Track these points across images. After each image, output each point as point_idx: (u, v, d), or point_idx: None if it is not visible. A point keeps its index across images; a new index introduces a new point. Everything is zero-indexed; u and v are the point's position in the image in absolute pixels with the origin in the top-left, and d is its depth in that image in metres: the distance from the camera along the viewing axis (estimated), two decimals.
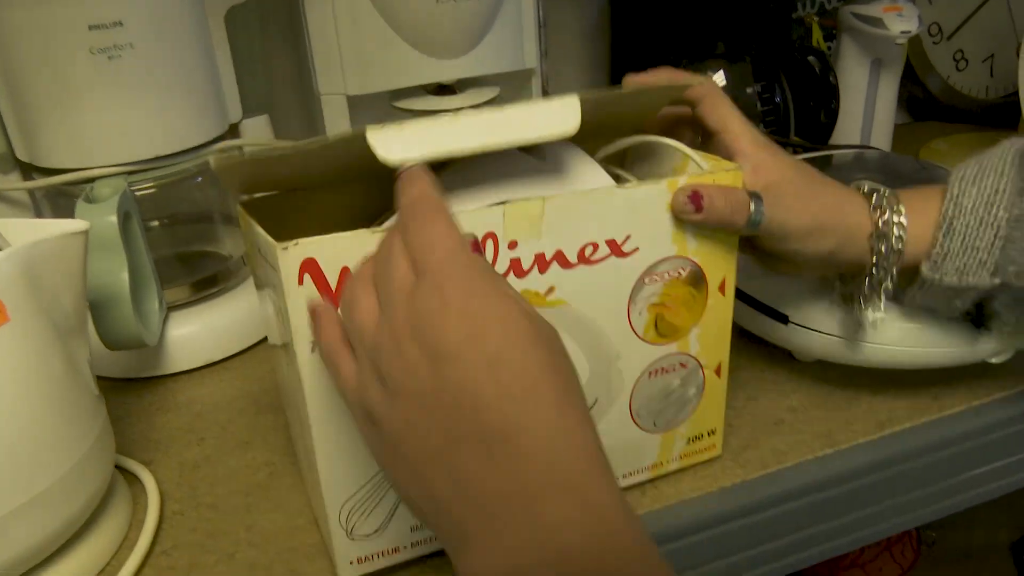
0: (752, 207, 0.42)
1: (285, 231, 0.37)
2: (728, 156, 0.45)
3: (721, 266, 0.44)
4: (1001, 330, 0.50)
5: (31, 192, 0.61)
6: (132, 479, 0.52)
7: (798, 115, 0.73)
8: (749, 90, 0.71)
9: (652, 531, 0.46)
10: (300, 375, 0.38)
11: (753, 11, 0.71)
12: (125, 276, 0.54)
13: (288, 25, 0.70)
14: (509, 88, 0.69)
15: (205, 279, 0.64)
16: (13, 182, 0.60)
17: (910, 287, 0.47)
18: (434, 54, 0.61)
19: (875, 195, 0.46)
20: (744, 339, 0.58)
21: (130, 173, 0.57)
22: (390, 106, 0.65)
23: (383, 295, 0.30)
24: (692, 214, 0.41)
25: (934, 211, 0.45)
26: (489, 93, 0.65)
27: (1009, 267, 0.43)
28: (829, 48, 0.94)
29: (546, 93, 0.70)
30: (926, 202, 0.45)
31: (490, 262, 0.38)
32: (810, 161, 0.66)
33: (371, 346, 0.29)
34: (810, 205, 0.44)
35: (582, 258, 0.41)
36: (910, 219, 0.44)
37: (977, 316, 0.50)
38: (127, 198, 0.56)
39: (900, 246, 0.44)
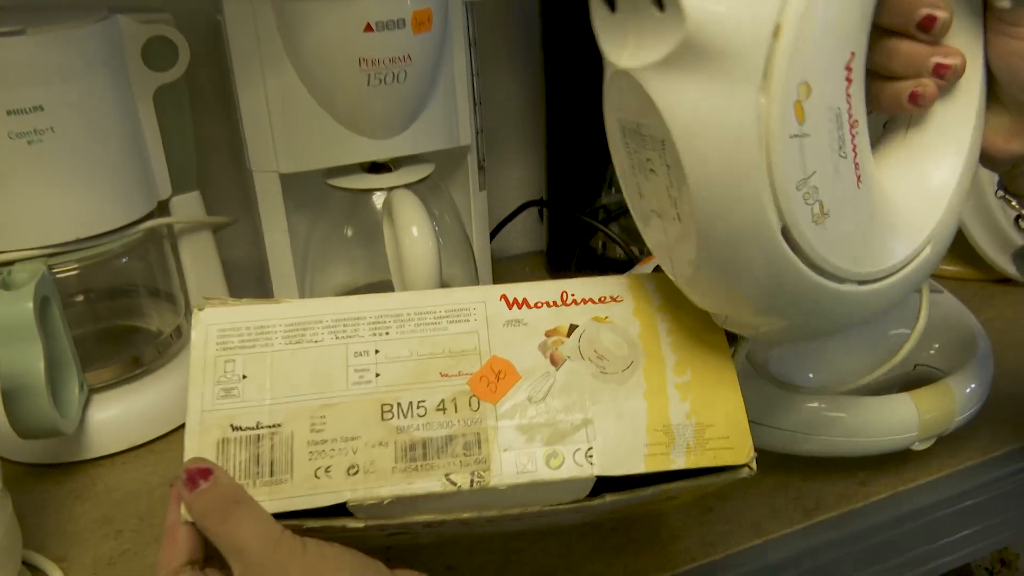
0: None
1: None
2: None
3: None
4: None
5: None
6: None
7: None
8: None
9: None
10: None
11: None
12: (41, 366, 0.52)
13: (220, 101, 0.69)
14: (445, 164, 0.69)
15: (130, 359, 0.63)
16: None
17: None
18: (367, 134, 0.61)
19: None
20: None
21: (50, 256, 0.56)
22: (324, 183, 0.64)
23: None
24: None
25: None
26: (425, 170, 0.65)
27: None
28: None
29: (482, 169, 0.70)
30: None
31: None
32: None
33: None
34: None
35: None
36: None
37: None
38: (46, 282, 0.54)
39: None
